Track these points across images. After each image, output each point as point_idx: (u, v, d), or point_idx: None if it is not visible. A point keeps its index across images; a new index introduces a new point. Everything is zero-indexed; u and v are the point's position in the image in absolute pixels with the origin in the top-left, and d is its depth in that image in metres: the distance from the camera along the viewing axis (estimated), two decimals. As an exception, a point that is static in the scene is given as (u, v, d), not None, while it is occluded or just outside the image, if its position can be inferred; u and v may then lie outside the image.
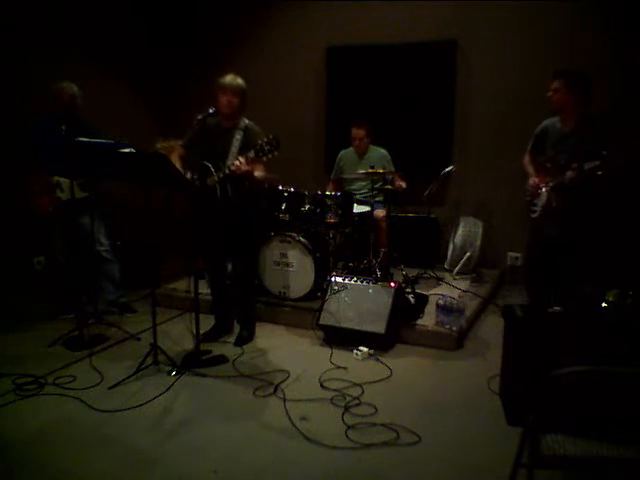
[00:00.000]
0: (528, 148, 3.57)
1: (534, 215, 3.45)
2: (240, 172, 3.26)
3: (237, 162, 3.25)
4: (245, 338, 3.75)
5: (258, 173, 3.45)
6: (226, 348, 3.63)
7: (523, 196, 3.56)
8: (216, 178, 3.26)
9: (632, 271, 3.99)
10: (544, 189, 3.34)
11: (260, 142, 3.22)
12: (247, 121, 3.51)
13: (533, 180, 3.43)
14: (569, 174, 3.14)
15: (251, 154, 3.25)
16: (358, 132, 4.74)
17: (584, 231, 3.28)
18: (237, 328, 3.85)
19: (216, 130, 3.45)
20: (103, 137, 3.68)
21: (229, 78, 3.41)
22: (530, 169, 3.53)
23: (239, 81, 3.43)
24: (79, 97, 3.89)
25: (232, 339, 3.79)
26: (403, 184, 4.61)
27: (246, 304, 3.85)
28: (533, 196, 3.45)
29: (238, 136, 3.44)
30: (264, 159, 3.26)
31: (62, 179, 3.87)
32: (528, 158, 3.57)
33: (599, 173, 3.02)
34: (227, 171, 3.28)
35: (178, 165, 3.38)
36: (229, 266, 4.58)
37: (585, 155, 3.09)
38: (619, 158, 3.13)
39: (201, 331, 3.41)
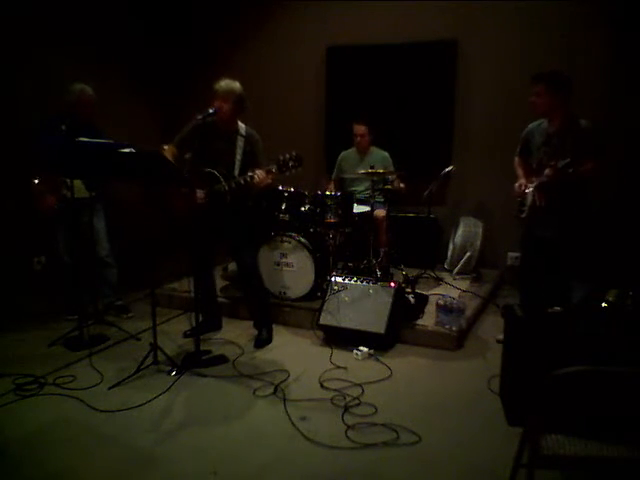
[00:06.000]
0: (517, 151, 3.61)
1: (523, 215, 3.50)
2: (261, 185, 3.32)
3: (257, 176, 3.29)
4: (264, 340, 3.73)
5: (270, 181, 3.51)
6: (226, 348, 3.63)
7: (514, 196, 3.59)
8: (227, 187, 3.29)
9: (632, 271, 4.00)
10: (530, 189, 3.39)
11: (282, 157, 3.28)
12: (245, 126, 3.50)
13: (519, 182, 3.49)
14: (546, 172, 3.23)
15: (274, 168, 3.30)
16: (359, 128, 4.73)
17: (569, 229, 3.32)
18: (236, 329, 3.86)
19: (213, 133, 3.43)
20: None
21: (222, 83, 3.39)
22: (519, 171, 3.58)
23: (231, 86, 3.38)
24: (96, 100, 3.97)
25: (221, 336, 3.83)
26: (402, 185, 4.61)
27: (260, 305, 3.83)
28: (521, 197, 3.50)
29: (240, 143, 3.43)
30: (287, 174, 3.32)
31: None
32: (518, 160, 3.61)
33: (570, 170, 3.10)
34: (242, 182, 3.31)
35: None
36: (229, 266, 4.61)
37: (565, 153, 3.15)
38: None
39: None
